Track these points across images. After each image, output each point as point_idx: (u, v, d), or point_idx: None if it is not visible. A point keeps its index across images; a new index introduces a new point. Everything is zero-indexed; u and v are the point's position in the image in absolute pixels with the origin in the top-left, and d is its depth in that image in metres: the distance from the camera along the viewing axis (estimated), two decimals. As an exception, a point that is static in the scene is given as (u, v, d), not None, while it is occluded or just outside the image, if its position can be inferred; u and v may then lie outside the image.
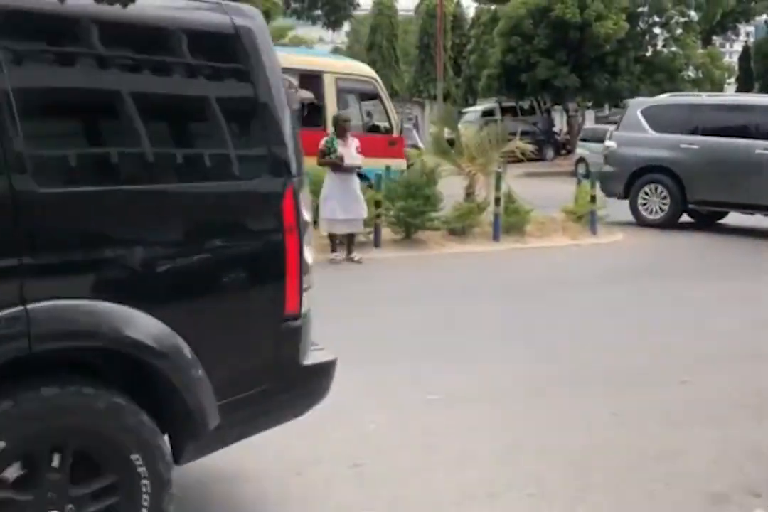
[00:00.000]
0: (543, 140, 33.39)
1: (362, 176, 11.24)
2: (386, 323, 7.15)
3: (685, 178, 13.46)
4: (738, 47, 58.50)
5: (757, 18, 47.27)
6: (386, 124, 14.54)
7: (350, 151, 10.28)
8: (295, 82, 12.87)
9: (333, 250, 10.40)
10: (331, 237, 10.46)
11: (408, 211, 11.39)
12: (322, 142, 10.39)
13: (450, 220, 11.90)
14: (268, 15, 32.73)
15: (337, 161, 10.19)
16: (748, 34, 68.47)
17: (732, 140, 13.12)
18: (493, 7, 44.38)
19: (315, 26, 54.23)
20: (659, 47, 39.24)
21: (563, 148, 36.37)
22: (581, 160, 29.21)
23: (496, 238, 11.97)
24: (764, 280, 9.61)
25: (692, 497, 3.74)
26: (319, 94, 13.63)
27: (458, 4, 52.35)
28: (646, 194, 14.02)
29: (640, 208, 14.10)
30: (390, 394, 5.13)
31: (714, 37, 47.47)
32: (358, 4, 51.43)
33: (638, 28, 38.79)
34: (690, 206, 13.73)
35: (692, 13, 40.03)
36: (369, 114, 14.93)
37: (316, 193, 10.71)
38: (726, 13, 41.07)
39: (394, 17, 51.60)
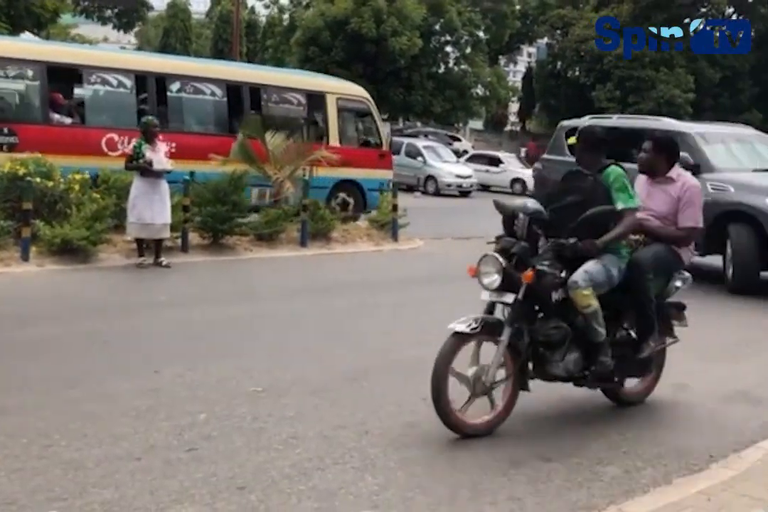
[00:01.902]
0: (341, 150, 34.18)
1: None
2: (201, 324, 7.38)
3: None
4: (521, 67, 61.94)
5: (539, 40, 50.31)
6: (377, 140, 16.54)
7: (159, 155, 10.36)
8: (303, 100, 15.55)
9: (140, 255, 10.43)
10: (139, 241, 10.48)
11: (216, 217, 11.57)
12: (130, 146, 10.43)
13: (258, 225, 12.17)
14: (56, 13, 31.67)
15: (146, 166, 10.25)
16: (530, 55, 72.52)
17: None
18: (286, 16, 44.85)
19: (106, 26, 52.80)
20: (451, 65, 41.03)
21: (361, 158, 37.23)
22: (379, 170, 30.19)
23: (303, 243, 12.37)
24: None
25: (495, 463, 4.27)
26: (323, 111, 15.69)
27: (252, 11, 52.51)
28: None
29: None
30: (215, 388, 5.39)
31: (500, 57, 50.12)
32: (151, 6, 50.54)
33: (431, 46, 40.34)
34: None
35: (481, 34, 42.06)
36: (360, 130, 16.97)
37: (123, 197, 10.77)
38: (512, 35, 43.60)
39: (188, 21, 51.03)
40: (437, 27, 40.09)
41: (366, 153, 16.06)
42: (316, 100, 15.65)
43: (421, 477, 4.04)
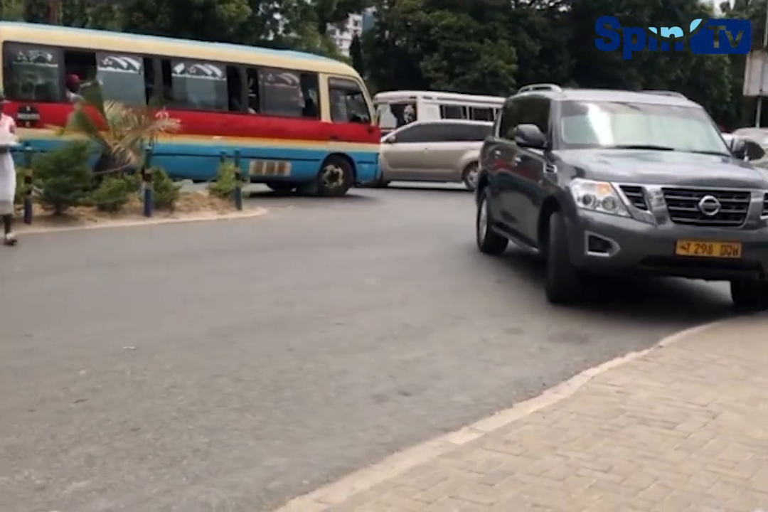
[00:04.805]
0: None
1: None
2: (62, 291, 7.58)
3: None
4: (349, 36, 62.25)
5: (368, 9, 50.81)
6: (365, 116, 17.93)
7: (3, 130, 10.21)
8: (297, 80, 17.24)
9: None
10: (-16, 217, 10.34)
11: (59, 187, 11.51)
12: (-27, 121, 10.23)
13: (101, 196, 12.17)
14: None
15: (-10, 140, 10.10)
16: (356, 23, 72.81)
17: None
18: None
19: None
20: (280, 32, 40.91)
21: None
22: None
23: (147, 213, 12.46)
24: (392, 247, 11.18)
25: (361, 399, 4.80)
26: (316, 89, 17.23)
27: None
28: None
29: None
30: (90, 347, 5.67)
31: (328, 25, 50.28)
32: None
33: (260, 13, 40.07)
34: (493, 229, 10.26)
35: (308, 1, 42.09)
36: (350, 107, 18.18)
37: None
38: (340, 4, 43.90)
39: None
40: (265, -7, 39.94)
41: (355, 128, 17.51)
42: (309, 79, 17.23)
43: (297, 414, 4.52)
